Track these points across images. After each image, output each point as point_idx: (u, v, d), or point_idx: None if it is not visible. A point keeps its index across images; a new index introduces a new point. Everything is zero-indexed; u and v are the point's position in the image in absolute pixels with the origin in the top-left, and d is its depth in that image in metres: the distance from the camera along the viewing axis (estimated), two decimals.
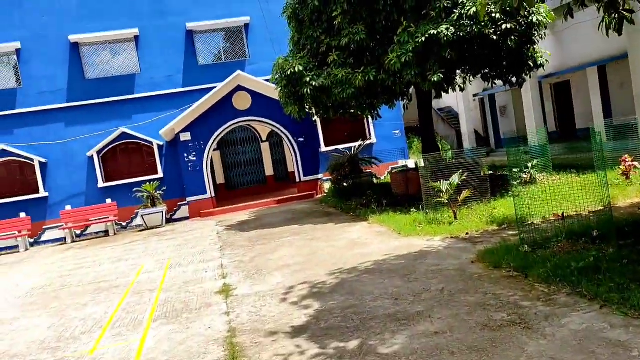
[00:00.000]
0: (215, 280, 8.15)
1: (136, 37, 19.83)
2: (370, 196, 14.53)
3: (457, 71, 12.68)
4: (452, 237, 8.74)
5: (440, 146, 19.10)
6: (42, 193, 18.89)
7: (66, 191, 19.08)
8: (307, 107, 13.62)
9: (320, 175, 19.23)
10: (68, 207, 17.65)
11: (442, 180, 9.96)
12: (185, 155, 18.32)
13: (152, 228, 16.76)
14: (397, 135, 21.22)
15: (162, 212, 16.87)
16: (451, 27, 10.99)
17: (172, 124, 17.96)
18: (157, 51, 19.96)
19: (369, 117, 14.65)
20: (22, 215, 16.98)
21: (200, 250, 11.08)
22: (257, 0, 20.43)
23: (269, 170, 22.55)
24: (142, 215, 16.75)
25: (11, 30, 18.99)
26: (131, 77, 19.88)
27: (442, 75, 11.22)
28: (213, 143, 18.58)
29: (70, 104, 19.37)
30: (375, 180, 17.62)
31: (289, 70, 12.50)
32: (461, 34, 11.00)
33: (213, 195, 18.57)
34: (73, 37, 19.15)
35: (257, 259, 9.31)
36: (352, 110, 13.96)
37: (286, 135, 18.96)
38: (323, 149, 19.52)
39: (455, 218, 9.76)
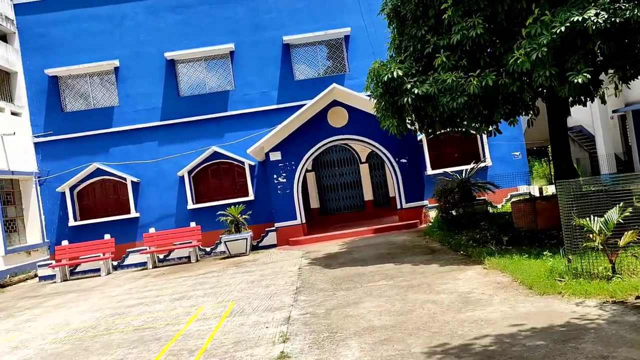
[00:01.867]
0: (273, 343, 6.10)
1: (231, 53, 18.93)
2: (485, 229, 11.84)
3: (610, 71, 9.71)
4: (614, 302, 5.96)
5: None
6: (134, 213, 18.38)
7: (156, 212, 18.43)
8: (409, 120, 11.32)
9: (425, 202, 16.67)
10: (152, 230, 16.71)
11: (592, 217, 7.15)
12: (275, 176, 16.75)
13: (235, 256, 15.21)
14: (517, 158, 18.21)
15: (247, 238, 15.29)
16: (602, 12, 8.24)
17: (262, 141, 16.51)
18: (252, 66, 18.91)
19: (484, 133, 11.99)
20: (107, 236, 16.23)
21: (272, 292, 9.14)
22: (358, 10, 18.67)
23: (367, 194, 20.34)
24: (224, 242, 15.31)
25: (111, 49, 18.91)
26: (225, 94, 18.96)
27: (588, 76, 8.45)
28: (305, 163, 16.82)
29: (164, 122, 18.82)
30: (490, 210, 14.78)
31: (386, 76, 10.32)
32: (616, 20, 8.20)
33: (303, 221, 16.75)
34: (169, 54, 18.62)
35: (334, 312, 7.15)
36: (463, 125, 11.38)
37: (387, 156, 16.71)
38: (429, 172, 17.04)
39: (614, 271, 6.90)
